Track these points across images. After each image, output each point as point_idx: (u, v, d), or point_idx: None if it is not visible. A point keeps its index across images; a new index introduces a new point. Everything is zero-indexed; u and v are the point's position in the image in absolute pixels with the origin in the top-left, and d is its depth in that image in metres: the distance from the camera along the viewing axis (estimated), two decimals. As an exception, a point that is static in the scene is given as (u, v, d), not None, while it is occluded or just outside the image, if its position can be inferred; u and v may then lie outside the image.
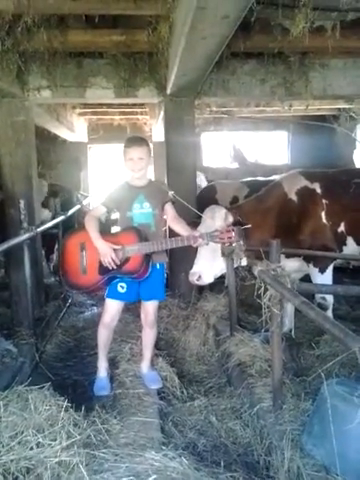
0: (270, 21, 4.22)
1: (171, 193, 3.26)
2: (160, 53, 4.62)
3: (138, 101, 6.28)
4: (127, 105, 7.71)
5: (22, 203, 4.30)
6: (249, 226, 3.25)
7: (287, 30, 4.07)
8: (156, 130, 8.19)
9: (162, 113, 5.92)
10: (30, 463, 2.03)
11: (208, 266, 3.79)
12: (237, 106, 7.15)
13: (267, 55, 4.99)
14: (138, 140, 3.21)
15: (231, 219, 3.78)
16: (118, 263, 2.98)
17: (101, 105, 7.86)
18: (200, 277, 3.76)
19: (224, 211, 3.82)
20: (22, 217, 4.23)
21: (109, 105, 7.82)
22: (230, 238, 2.94)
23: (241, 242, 3.15)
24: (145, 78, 5.17)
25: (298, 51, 4.91)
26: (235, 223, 3.75)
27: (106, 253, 2.96)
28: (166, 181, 5.47)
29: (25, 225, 4.19)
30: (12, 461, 2.03)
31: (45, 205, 6.49)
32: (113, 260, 2.95)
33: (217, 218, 3.78)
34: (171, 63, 4.28)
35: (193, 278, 3.78)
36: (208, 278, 3.82)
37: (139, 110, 8.32)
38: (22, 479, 1.98)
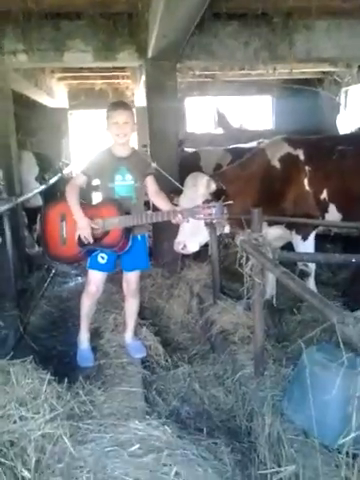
0: (253, -21, 4.08)
1: (154, 165, 3.20)
2: (140, 14, 4.45)
3: (118, 65, 6.08)
4: (108, 69, 7.48)
5: (0, 173, 4.20)
6: (231, 202, 3.21)
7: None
8: (138, 95, 8.00)
9: (143, 77, 5.76)
10: (14, 436, 2.04)
11: (192, 235, 3.77)
12: (221, 70, 6.98)
13: (250, 16, 4.84)
14: (123, 104, 3.17)
15: (214, 186, 3.74)
16: (93, 239, 2.96)
17: (81, 69, 7.61)
18: (185, 246, 3.75)
19: (206, 178, 3.77)
20: (1, 187, 4.13)
21: (90, 69, 7.58)
22: (210, 215, 2.89)
23: (223, 213, 3.12)
24: (125, 41, 5.00)
25: (282, 12, 4.77)
26: (217, 191, 3.72)
27: (83, 228, 2.94)
28: (149, 148, 5.39)
29: (4, 195, 4.10)
30: (-5, 435, 2.04)
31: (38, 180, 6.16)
32: (90, 235, 2.93)
33: (199, 186, 3.74)
34: (151, 24, 4.13)
35: (178, 247, 3.76)
36: (193, 247, 3.81)
37: (121, 74, 8.10)
38: (6, 452, 2.00)
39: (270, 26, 4.92)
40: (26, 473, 1.90)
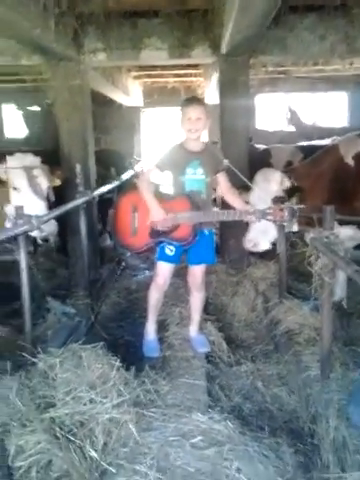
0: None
1: (226, 162, 3.21)
2: (215, 10, 4.45)
3: (192, 62, 6.11)
4: (181, 67, 7.57)
5: (78, 167, 4.36)
6: (302, 206, 3.17)
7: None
8: (210, 92, 8.00)
9: (216, 74, 5.77)
10: (83, 418, 2.17)
11: (264, 233, 3.74)
12: (294, 65, 6.81)
13: (328, 8, 4.67)
14: (197, 100, 3.22)
15: (288, 183, 3.68)
16: (168, 228, 3.02)
17: (155, 67, 7.76)
18: (256, 244, 3.72)
19: (279, 174, 3.72)
20: (78, 181, 4.29)
21: (163, 67, 7.71)
22: (282, 217, 2.89)
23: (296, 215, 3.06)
24: (199, 37, 5.01)
25: (363, 3, 4.57)
26: (292, 188, 3.66)
27: (157, 215, 3.02)
28: (219, 144, 5.39)
29: (81, 189, 4.27)
30: (67, 415, 2.17)
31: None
32: (163, 223, 3.01)
33: (272, 182, 3.70)
34: (226, 20, 4.12)
35: (249, 245, 3.74)
36: (265, 245, 3.79)
37: (193, 72, 8.17)
38: (76, 432, 2.12)
39: (348, 17, 4.71)
40: (93, 453, 2.01)
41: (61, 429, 2.12)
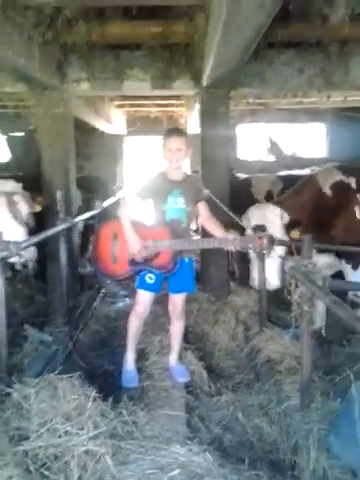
0: (309, 9, 4.09)
1: (207, 192, 3.25)
2: (196, 44, 4.57)
3: (174, 93, 6.21)
4: (164, 97, 7.71)
5: (59, 194, 4.35)
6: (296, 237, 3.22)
7: (327, 18, 3.95)
8: (192, 122, 8.15)
9: (197, 105, 5.88)
10: (58, 450, 2.09)
11: (269, 270, 3.76)
12: (274, 97, 7.00)
13: (305, 44, 4.85)
14: (177, 131, 3.27)
15: (287, 218, 3.73)
16: (144, 259, 3.03)
17: (138, 97, 7.88)
18: (268, 283, 3.77)
19: (279, 209, 3.75)
20: (59, 208, 4.28)
21: (146, 97, 7.84)
22: (261, 246, 2.93)
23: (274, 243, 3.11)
24: (181, 70, 5.13)
25: (338, 40, 4.75)
26: (292, 222, 3.71)
27: (133, 244, 3.01)
28: (200, 174, 5.45)
29: (62, 216, 4.25)
30: (41, 447, 2.10)
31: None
32: (139, 252, 3.00)
33: (271, 217, 3.72)
34: (207, 54, 4.23)
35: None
36: (275, 282, 3.83)
37: (176, 102, 8.30)
38: (50, 465, 2.05)
39: (325, 53, 4.88)
40: (68, 488, 1.93)
41: (34, 463, 2.04)
